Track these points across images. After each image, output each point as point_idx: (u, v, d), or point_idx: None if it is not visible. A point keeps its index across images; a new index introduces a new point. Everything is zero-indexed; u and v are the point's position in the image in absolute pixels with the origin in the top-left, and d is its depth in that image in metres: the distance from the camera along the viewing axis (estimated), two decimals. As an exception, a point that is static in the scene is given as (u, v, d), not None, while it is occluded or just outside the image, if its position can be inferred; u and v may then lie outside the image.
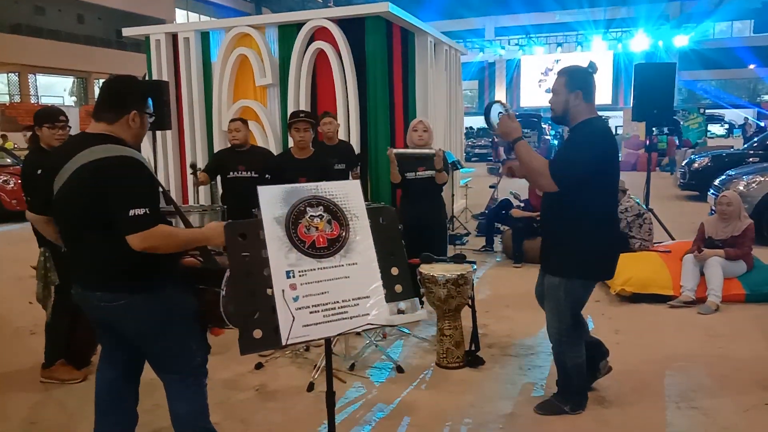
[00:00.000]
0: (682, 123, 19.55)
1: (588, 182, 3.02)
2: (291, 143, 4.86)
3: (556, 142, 21.23)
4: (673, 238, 6.97)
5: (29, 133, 4.16)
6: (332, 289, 2.24)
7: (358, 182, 2.52)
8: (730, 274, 5.21)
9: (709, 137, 24.87)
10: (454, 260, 4.23)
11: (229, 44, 7.40)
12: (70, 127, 3.84)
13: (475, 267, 4.19)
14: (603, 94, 35.52)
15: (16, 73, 27.95)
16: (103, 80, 2.90)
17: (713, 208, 6.45)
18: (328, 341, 2.37)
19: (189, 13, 35.24)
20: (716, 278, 5.10)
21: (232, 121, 5.31)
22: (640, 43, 33.74)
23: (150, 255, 2.27)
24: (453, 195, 8.61)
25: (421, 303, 4.07)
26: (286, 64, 7.14)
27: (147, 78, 7.76)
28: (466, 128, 20.84)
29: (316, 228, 2.28)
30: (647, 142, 10.13)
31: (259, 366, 4.02)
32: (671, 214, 8.89)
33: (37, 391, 3.78)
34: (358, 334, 4.04)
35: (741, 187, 7.77)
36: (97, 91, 2.56)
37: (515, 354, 4.21)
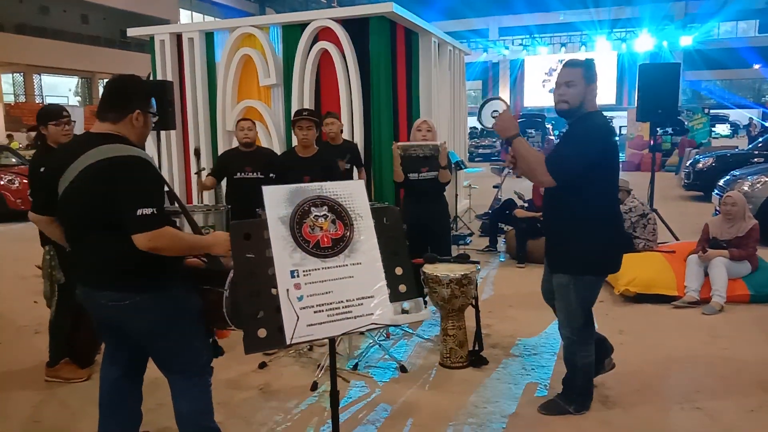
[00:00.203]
0: (686, 123, 19.49)
1: (587, 177, 2.99)
2: (295, 142, 4.88)
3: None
4: (677, 239, 6.95)
5: (33, 133, 4.17)
6: (336, 288, 2.24)
7: (362, 182, 2.52)
8: (734, 275, 5.20)
9: (714, 137, 24.82)
10: (457, 260, 4.22)
11: (234, 44, 7.41)
12: (74, 122, 3.85)
13: (479, 267, 4.18)
14: (607, 94, 35.50)
15: (21, 73, 28.06)
16: (107, 80, 2.90)
17: (718, 208, 6.43)
18: (332, 341, 2.37)
19: (193, 13, 35.33)
20: (720, 279, 5.09)
21: (243, 120, 5.32)
22: (644, 43, 33.73)
23: (155, 255, 2.27)
24: (456, 195, 8.61)
25: (425, 303, 4.07)
26: (290, 64, 7.16)
27: (151, 78, 7.79)
28: (470, 128, 20.84)
29: (321, 228, 2.29)
30: (651, 142, 10.11)
31: (262, 365, 4.02)
32: (675, 214, 8.87)
33: (41, 389, 3.79)
34: (362, 333, 4.04)
35: (746, 188, 7.74)
36: (101, 91, 2.57)
37: (519, 354, 4.21)
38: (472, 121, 14.70)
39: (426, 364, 4.07)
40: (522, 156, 3.11)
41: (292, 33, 7.17)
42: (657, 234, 6.37)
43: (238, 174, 5.15)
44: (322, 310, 2.19)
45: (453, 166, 6.63)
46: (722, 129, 32.82)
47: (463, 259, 4.24)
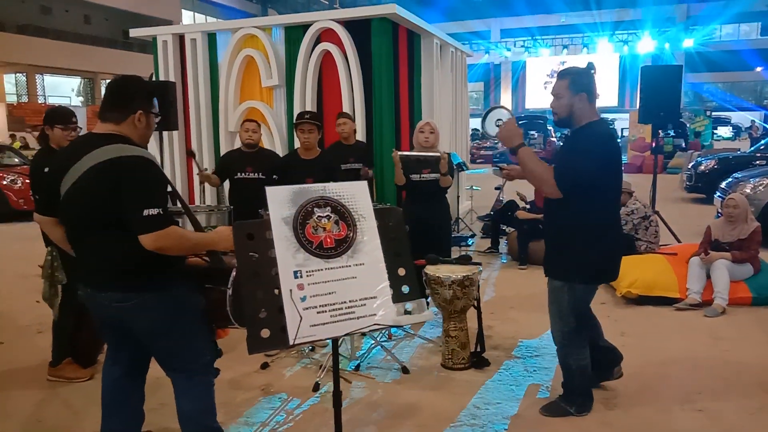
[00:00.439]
0: (688, 126, 19.49)
1: (591, 187, 3.00)
2: (297, 144, 4.88)
3: (561, 143, 21.11)
4: (679, 241, 6.94)
5: (37, 132, 4.18)
6: (339, 289, 2.25)
7: (365, 183, 2.52)
8: (736, 277, 5.19)
9: (716, 140, 24.82)
10: (459, 261, 4.23)
11: (236, 45, 7.42)
12: (80, 128, 3.87)
13: (481, 268, 4.19)
14: (609, 96, 35.50)
15: (24, 74, 28.11)
16: (109, 81, 2.90)
17: (720, 210, 6.44)
18: (335, 341, 2.37)
19: (195, 14, 35.38)
20: (722, 281, 5.09)
21: (248, 121, 5.33)
22: (646, 45, 33.74)
23: (158, 254, 2.28)
24: (458, 196, 8.61)
25: (428, 304, 4.07)
26: (292, 65, 7.16)
27: (154, 79, 7.80)
28: (472, 130, 20.85)
29: (324, 228, 2.29)
30: (653, 145, 10.11)
31: (264, 366, 4.03)
32: (677, 216, 8.87)
33: (43, 389, 3.79)
34: (364, 334, 4.05)
35: (748, 190, 7.73)
36: (103, 92, 2.57)
37: (520, 355, 4.21)
38: (474, 123, 14.71)
39: (428, 366, 4.07)
40: (528, 167, 3.11)
41: (294, 34, 7.18)
42: (659, 236, 6.37)
43: (239, 174, 5.16)
44: (325, 311, 2.20)
45: (455, 167, 6.62)
46: (724, 131, 32.81)
47: (465, 260, 4.24)
